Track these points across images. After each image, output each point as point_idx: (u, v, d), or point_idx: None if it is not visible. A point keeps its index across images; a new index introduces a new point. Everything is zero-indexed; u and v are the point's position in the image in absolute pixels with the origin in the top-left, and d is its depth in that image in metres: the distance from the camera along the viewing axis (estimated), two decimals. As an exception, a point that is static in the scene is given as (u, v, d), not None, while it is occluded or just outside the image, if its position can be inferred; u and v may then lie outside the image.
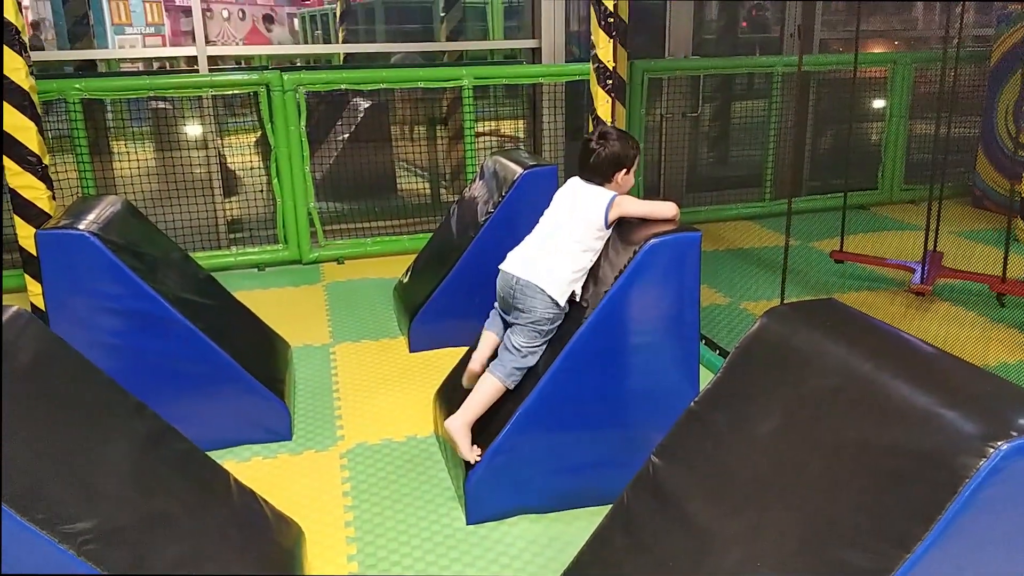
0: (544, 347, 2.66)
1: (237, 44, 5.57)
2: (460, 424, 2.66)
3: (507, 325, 2.74)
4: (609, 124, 4.61)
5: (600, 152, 2.71)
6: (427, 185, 6.43)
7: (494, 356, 2.75)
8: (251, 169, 5.77)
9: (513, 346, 2.65)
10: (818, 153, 6.99)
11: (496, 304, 2.80)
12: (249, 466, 3.02)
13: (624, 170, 2.72)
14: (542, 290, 2.60)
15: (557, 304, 2.62)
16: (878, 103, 6.73)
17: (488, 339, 2.78)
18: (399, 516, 2.71)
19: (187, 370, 3.01)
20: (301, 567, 2.24)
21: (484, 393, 2.66)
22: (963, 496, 1.32)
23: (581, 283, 2.67)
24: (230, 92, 5.13)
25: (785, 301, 3.92)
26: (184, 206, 5.28)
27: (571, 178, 2.81)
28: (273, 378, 3.28)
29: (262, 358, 3.37)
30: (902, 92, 6.57)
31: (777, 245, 5.46)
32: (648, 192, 6.32)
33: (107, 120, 5.42)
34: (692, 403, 1.97)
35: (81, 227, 2.86)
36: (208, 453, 3.05)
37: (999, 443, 1.32)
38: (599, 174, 2.72)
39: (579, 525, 2.61)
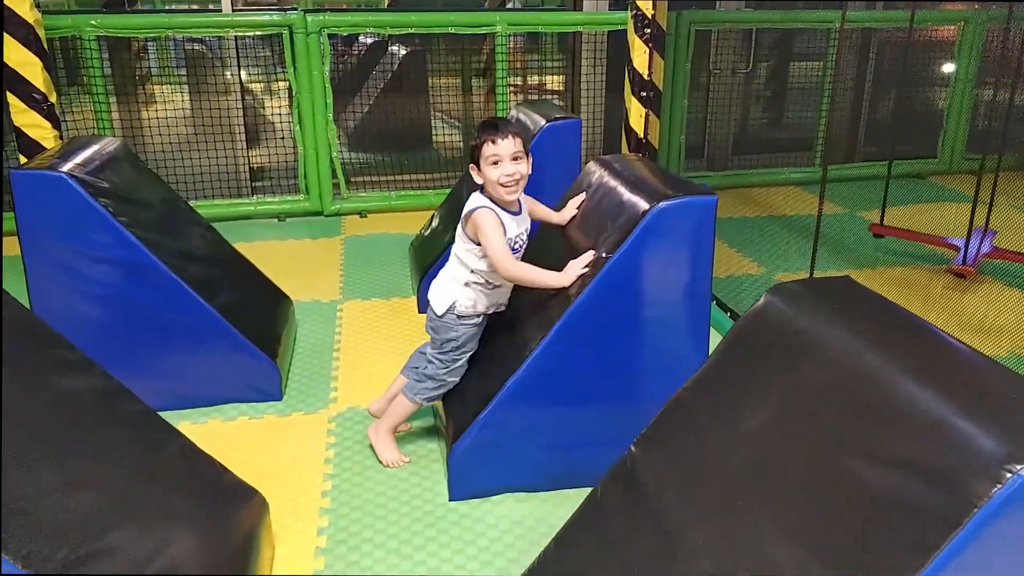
0: (456, 364, 2.60)
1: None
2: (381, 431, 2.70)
3: None
4: (646, 78, 4.34)
5: None
6: (458, 137, 6.21)
7: None
8: (275, 116, 5.61)
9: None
10: (876, 117, 6.57)
11: None
12: (234, 425, 2.89)
13: (472, 165, 2.46)
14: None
15: (435, 312, 2.55)
16: (945, 66, 6.28)
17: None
18: (379, 488, 2.55)
19: (173, 323, 2.88)
20: (258, 541, 2.09)
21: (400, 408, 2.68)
22: (969, 528, 1.08)
23: (466, 296, 2.53)
24: (251, 33, 4.94)
25: (817, 275, 3.65)
26: (206, 151, 5.15)
27: None
28: (266, 335, 3.13)
29: (256, 314, 3.22)
30: (971, 54, 6.10)
31: (824, 213, 5.13)
32: (690, 154, 6.01)
33: (131, 61, 5.30)
34: (681, 388, 1.74)
35: (63, 168, 2.71)
36: (195, 410, 2.98)
37: (1018, 467, 1.08)
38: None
39: (569, 506, 2.37)
